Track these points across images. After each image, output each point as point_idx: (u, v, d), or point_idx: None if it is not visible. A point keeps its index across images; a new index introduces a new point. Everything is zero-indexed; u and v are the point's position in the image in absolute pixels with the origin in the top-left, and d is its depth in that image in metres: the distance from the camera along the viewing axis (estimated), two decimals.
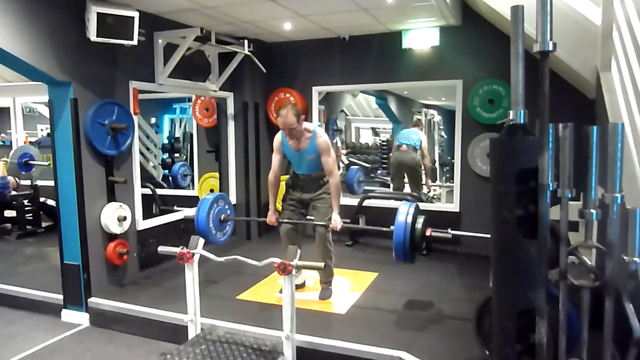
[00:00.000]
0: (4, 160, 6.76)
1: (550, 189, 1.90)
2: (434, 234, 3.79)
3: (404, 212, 3.68)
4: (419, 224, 3.71)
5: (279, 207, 4.39)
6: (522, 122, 1.92)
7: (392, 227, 3.69)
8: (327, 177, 4.02)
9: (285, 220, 4.12)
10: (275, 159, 4.12)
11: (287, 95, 6.20)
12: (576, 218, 2.02)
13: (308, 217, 4.28)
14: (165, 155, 8.84)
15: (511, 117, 1.93)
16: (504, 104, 5.21)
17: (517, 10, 1.87)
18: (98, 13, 3.76)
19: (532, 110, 1.87)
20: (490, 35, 5.09)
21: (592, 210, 1.92)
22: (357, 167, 8.22)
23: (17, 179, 6.91)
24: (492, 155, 2.08)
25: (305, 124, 3.96)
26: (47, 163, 6.55)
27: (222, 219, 4.24)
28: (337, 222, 3.92)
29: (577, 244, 2.01)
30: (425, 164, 7.52)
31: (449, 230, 5.38)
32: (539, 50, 1.83)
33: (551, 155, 1.89)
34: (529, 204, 1.93)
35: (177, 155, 8.84)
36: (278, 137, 4.10)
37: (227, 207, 4.43)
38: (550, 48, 1.81)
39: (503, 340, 2.02)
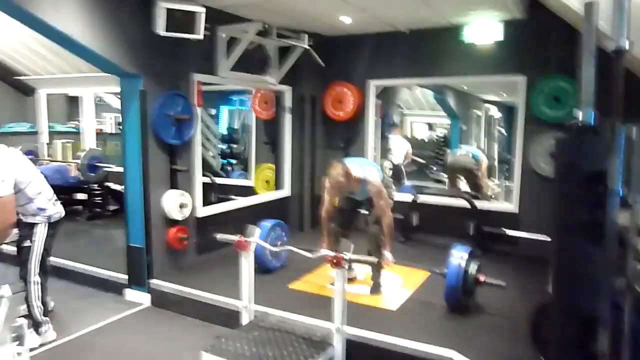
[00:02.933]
0: (75, 163, 7.32)
1: (620, 194, 1.81)
2: (487, 280, 3.72)
3: (458, 256, 3.66)
4: (473, 270, 3.68)
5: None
6: (591, 123, 1.84)
7: (445, 271, 3.69)
8: None
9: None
10: (327, 198, 4.21)
11: (344, 89, 6.19)
12: None
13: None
14: (224, 146, 9.11)
15: (580, 117, 1.86)
16: (570, 102, 4.96)
17: (590, 8, 1.79)
18: (167, 9, 3.94)
19: (601, 109, 1.78)
20: (557, 29, 4.80)
21: None
22: (410, 185, 8.45)
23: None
24: (558, 155, 2.01)
25: (356, 175, 3.92)
26: (112, 166, 7.03)
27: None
28: (389, 259, 4.04)
29: None
30: (483, 184, 7.22)
31: (505, 230, 5.29)
32: (614, 49, 1.74)
33: (622, 159, 1.80)
34: (594, 208, 1.85)
35: (235, 145, 9.07)
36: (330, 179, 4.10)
37: (283, 234, 4.61)
38: (627, 47, 1.72)
39: (561, 347, 1.96)
